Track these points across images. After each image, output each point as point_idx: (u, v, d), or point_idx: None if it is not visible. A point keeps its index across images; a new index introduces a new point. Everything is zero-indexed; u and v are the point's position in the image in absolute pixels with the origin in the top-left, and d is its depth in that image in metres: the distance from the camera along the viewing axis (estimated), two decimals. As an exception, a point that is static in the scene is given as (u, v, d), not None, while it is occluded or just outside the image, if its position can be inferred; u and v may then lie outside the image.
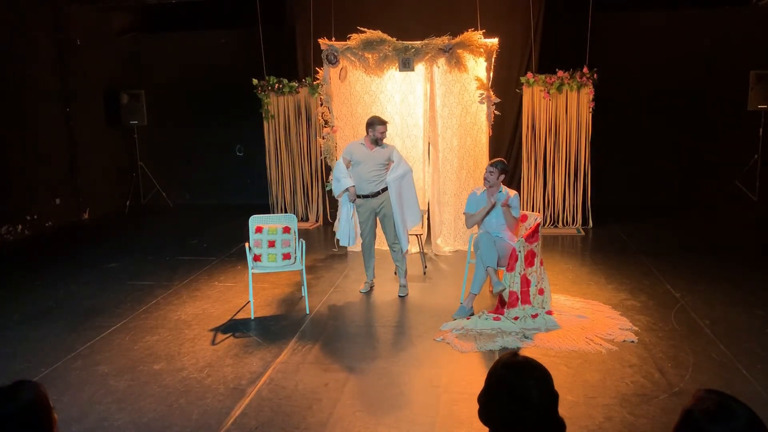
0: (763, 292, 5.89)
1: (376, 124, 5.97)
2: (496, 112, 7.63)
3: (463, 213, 5.98)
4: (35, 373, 4.57)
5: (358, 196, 6.06)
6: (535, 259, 5.41)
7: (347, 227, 6.21)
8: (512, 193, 5.70)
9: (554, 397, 1.83)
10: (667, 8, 9.98)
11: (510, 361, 1.87)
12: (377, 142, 6.00)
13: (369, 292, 6.28)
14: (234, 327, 5.46)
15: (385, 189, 6.04)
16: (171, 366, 4.67)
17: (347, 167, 6.07)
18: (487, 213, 5.65)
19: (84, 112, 10.43)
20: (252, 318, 5.66)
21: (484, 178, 5.74)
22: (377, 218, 6.18)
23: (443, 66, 7.47)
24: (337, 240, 6.56)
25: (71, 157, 10.21)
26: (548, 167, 8.67)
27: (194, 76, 11.17)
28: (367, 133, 6.04)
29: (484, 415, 1.88)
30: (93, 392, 4.28)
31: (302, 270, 5.89)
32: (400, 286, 6.21)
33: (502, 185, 5.75)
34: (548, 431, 1.83)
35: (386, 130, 6.05)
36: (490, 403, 1.86)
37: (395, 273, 6.92)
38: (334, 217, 8.59)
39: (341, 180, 6.05)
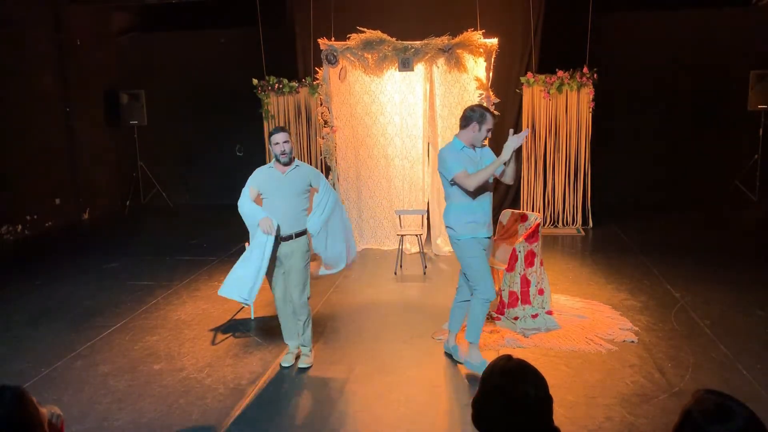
0: (763, 292, 5.88)
1: (271, 134, 4.52)
2: (495, 112, 7.61)
3: (455, 175, 4.23)
4: (35, 373, 4.57)
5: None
6: (535, 260, 5.41)
7: (252, 275, 4.35)
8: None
9: (549, 401, 1.82)
10: (667, 8, 9.98)
11: (506, 366, 1.85)
12: (279, 159, 4.48)
13: (293, 365, 4.64)
14: (234, 327, 5.46)
15: (302, 234, 4.51)
16: (171, 366, 4.67)
17: (255, 200, 4.54)
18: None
19: (84, 112, 10.43)
20: (252, 318, 5.66)
21: (483, 138, 4.37)
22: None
23: (443, 66, 7.47)
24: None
25: (71, 157, 10.21)
26: (548, 167, 8.67)
27: (194, 76, 11.17)
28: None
29: (479, 420, 1.86)
30: (93, 392, 4.28)
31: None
32: (302, 355, 4.68)
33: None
34: None
35: (288, 140, 4.48)
36: (485, 409, 1.84)
37: (395, 273, 6.94)
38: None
39: (251, 212, 4.49)
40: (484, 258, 4.35)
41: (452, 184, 4.28)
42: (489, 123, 4.32)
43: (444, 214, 4.44)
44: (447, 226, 4.42)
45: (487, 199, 4.35)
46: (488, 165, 4.23)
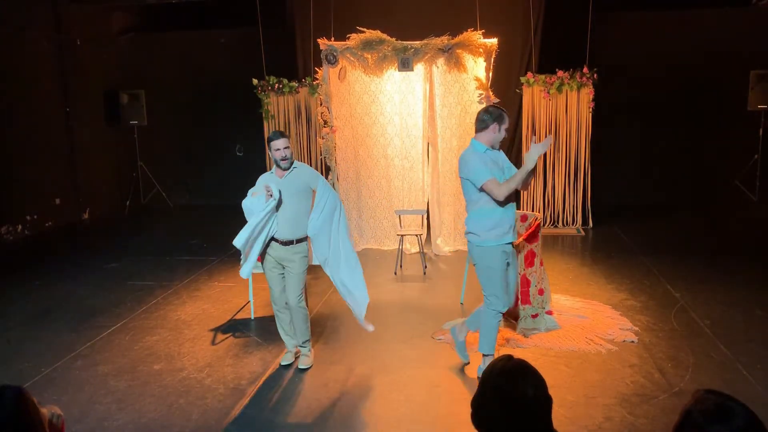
0: (763, 292, 5.88)
1: (270, 140, 4.49)
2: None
3: (485, 184, 4.11)
4: (35, 373, 4.57)
5: (272, 239, 4.49)
6: (535, 259, 5.40)
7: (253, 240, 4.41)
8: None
9: (549, 401, 1.82)
10: (667, 8, 9.98)
11: (506, 366, 1.85)
12: (279, 165, 4.48)
13: (293, 364, 4.66)
14: (234, 327, 5.46)
15: (303, 240, 4.52)
16: (171, 366, 4.67)
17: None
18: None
19: (84, 112, 10.43)
20: (252, 318, 5.66)
21: (502, 138, 4.32)
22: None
23: (442, 66, 7.47)
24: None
25: (71, 157, 10.21)
26: (548, 167, 8.67)
27: (194, 76, 11.18)
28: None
29: (478, 420, 1.86)
30: (93, 392, 4.28)
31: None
32: (301, 356, 4.70)
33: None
34: None
35: (288, 146, 4.47)
36: (484, 409, 1.84)
37: (395, 273, 6.93)
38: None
39: (255, 201, 4.48)
40: (503, 270, 4.24)
41: (480, 190, 4.18)
42: (507, 122, 4.29)
43: (467, 221, 4.30)
44: (469, 232, 4.27)
45: (512, 204, 4.29)
46: (515, 174, 4.14)
